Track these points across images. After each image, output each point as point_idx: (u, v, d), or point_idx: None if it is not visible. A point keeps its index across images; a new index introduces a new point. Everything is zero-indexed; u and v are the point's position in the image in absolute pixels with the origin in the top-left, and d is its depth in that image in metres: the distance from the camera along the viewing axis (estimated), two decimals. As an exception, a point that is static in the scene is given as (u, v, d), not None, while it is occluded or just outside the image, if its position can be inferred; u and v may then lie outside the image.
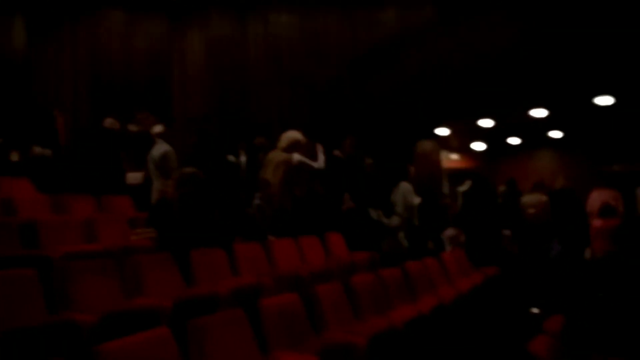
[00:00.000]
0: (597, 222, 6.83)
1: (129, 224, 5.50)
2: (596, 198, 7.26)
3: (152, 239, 4.82)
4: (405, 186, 7.42)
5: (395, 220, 7.38)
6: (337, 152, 7.40)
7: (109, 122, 7.16)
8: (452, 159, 13.10)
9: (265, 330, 3.28)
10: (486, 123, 9.07)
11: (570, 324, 3.14)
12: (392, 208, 7.45)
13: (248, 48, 10.40)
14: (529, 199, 7.94)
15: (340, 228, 6.55)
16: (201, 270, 4.37)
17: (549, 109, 8.32)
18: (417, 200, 7.61)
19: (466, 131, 10.72)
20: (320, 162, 6.46)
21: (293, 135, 6.21)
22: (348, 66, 9.50)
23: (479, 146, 12.35)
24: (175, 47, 10.63)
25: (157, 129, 6.59)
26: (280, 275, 4.64)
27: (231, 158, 7.64)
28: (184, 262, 4.34)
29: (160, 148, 6.36)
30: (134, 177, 6.88)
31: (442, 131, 9.85)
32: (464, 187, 9.13)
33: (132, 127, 7.68)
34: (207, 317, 2.90)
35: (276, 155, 6.17)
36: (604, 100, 7.66)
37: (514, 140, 11.77)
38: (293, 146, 6.17)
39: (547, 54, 6.98)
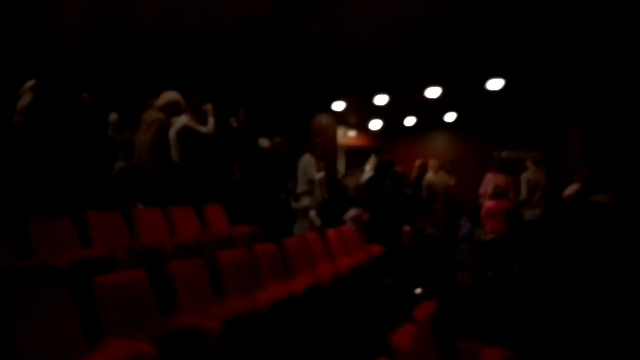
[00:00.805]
0: (489, 203, 7.17)
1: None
2: (489, 181, 7.52)
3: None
4: (306, 159, 7.12)
5: (305, 201, 7.09)
6: (232, 121, 6.95)
7: None
8: (350, 136, 13.01)
9: (99, 312, 2.80)
10: (381, 100, 8.93)
11: (440, 310, 2.95)
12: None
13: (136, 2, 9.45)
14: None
15: (224, 200, 6.13)
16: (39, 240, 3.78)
17: (444, 88, 8.32)
18: (318, 174, 7.31)
19: (364, 108, 10.58)
20: (209, 125, 5.93)
21: (172, 95, 5.60)
22: (242, 28, 8.90)
23: (376, 124, 12.32)
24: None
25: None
26: (137, 247, 4.15)
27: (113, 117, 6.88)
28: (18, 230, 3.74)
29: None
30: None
31: (339, 105, 9.62)
32: (369, 165, 8.99)
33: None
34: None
35: (150, 115, 5.56)
36: (495, 84, 7.77)
37: (409, 121, 11.84)
38: (171, 107, 5.57)
39: (446, 33, 6.89)
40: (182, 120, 5.74)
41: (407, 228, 8.32)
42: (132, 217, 4.77)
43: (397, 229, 7.56)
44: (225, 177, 6.63)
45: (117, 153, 5.95)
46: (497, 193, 7.18)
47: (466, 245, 8.05)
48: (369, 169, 8.90)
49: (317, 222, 7.09)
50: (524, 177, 7.70)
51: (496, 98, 8.78)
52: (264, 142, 7.18)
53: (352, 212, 7.82)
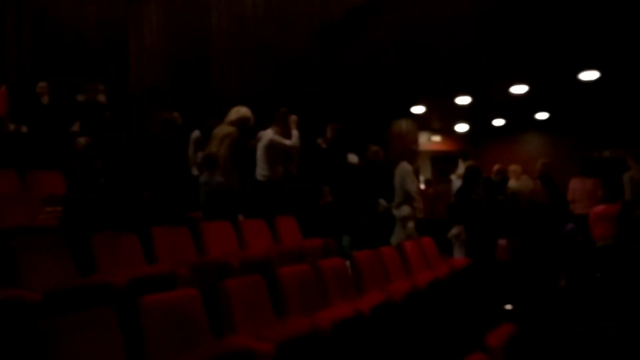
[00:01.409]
0: (598, 208, 6.92)
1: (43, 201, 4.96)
2: (575, 186, 7.23)
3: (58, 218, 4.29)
4: (403, 167, 6.72)
5: (405, 210, 6.70)
6: (320, 141, 6.83)
7: (40, 86, 6.76)
8: (434, 140, 12.54)
9: (144, 334, 2.70)
10: (463, 100, 8.45)
11: (520, 335, 2.57)
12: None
13: (210, 15, 9.68)
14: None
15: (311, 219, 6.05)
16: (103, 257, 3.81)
17: (531, 85, 7.69)
18: (414, 184, 6.88)
19: (448, 111, 10.12)
20: (294, 139, 5.93)
21: (243, 110, 5.74)
22: (316, 36, 8.79)
23: (462, 127, 11.77)
24: (132, 14, 9.90)
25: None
26: (201, 263, 4.08)
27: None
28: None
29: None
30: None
31: (418, 109, 9.24)
32: (458, 171, 8.40)
33: (80, 97, 7.18)
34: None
35: (222, 129, 5.65)
36: (589, 75, 7.06)
37: (498, 122, 11.17)
38: (242, 122, 5.69)
39: (528, 24, 6.34)
40: (267, 134, 5.85)
41: (503, 242, 7.67)
42: (200, 232, 4.73)
43: (492, 239, 7.01)
44: (316, 199, 6.44)
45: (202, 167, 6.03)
46: (607, 197, 6.91)
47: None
48: (456, 177, 8.23)
49: (415, 234, 6.70)
50: (627, 176, 6.99)
51: (591, 93, 8.01)
52: (353, 158, 7.01)
53: (455, 230, 7.29)
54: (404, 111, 9.40)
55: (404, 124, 9.83)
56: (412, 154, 7.00)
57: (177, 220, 4.76)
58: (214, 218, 5.02)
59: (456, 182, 7.99)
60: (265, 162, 5.82)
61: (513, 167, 8.22)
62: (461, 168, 8.31)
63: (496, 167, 8.28)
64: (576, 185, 7.13)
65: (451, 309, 5.06)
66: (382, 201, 6.86)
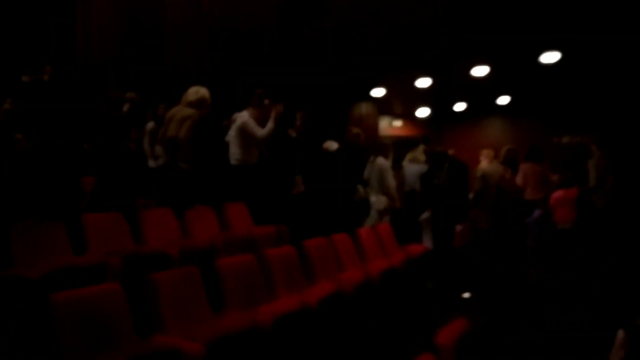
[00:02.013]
0: (557, 193, 7.02)
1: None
2: (523, 171, 7.21)
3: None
4: (381, 164, 6.58)
5: (382, 203, 6.58)
6: (290, 132, 6.54)
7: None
8: (396, 125, 12.37)
9: (58, 333, 2.41)
10: (424, 82, 8.27)
11: (473, 331, 2.39)
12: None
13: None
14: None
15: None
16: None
17: (492, 66, 7.56)
18: (393, 180, 6.75)
19: (409, 95, 9.94)
20: (266, 129, 5.50)
21: (202, 91, 5.41)
22: (278, 11, 8.42)
23: (423, 112, 11.63)
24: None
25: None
26: (138, 252, 3.78)
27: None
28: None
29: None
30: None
31: (379, 92, 9.02)
32: (411, 156, 8.23)
33: (25, 78, 6.67)
34: None
35: (179, 111, 5.27)
36: (550, 57, 6.96)
37: (460, 106, 11.07)
38: (201, 103, 5.33)
39: (489, 4, 6.16)
40: (242, 116, 5.51)
41: (459, 227, 7.61)
42: (140, 220, 4.39)
43: (449, 226, 6.90)
44: (287, 190, 6.16)
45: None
46: (563, 182, 7.04)
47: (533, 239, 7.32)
48: (408, 162, 8.02)
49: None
50: (592, 163, 7.01)
51: (553, 76, 7.93)
52: (332, 145, 6.72)
53: (425, 215, 7.18)
54: (364, 94, 9.17)
55: (364, 108, 9.61)
56: (385, 147, 6.91)
57: (113, 207, 4.38)
58: (174, 207, 4.71)
59: (408, 167, 7.79)
60: (239, 146, 5.49)
61: (486, 151, 8.22)
62: (416, 153, 8.14)
63: (485, 151, 8.27)
64: (527, 171, 7.06)
65: (404, 300, 4.90)
66: (360, 188, 6.68)
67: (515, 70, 7.86)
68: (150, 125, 6.39)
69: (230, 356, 2.69)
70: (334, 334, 3.47)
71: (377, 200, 6.59)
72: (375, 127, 9.95)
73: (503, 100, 10.38)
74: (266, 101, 5.69)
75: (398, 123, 12.41)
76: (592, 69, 7.74)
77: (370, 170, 6.64)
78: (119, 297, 2.73)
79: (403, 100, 10.91)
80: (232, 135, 5.58)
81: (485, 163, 7.99)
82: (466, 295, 6.31)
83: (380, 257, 5.47)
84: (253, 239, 4.72)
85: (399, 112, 12.10)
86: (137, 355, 2.43)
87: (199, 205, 5.14)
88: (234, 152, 5.53)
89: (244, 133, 5.45)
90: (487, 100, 10.54)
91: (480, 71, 7.59)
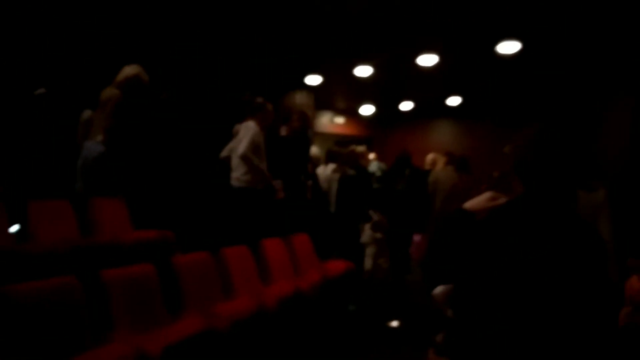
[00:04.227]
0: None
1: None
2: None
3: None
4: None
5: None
6: (282, 129, 6.06)
7: None
8: (338, 122, 11.45)
9: None
10: (364, 71, 7.34)
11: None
12: None
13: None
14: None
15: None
16: None
17: (442, 56, 6.68)
18: None
19: (350, 86, 9.00)
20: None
21: (127, 69, 4.83)
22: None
23: (367, 110, 10.74)
24: None
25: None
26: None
27: None
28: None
29: None
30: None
31: (314, 79, 8.04)
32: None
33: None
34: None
35: (105, 93, 4.74)
36: (508, 47, 6.13)
37: (406, 105, 10.23)
38: (128, 83, 4.76)
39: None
40: (250, 127, 5.05)
41: (417, 237, 6.91)
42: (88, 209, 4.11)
43: (404, 238, 6.68)
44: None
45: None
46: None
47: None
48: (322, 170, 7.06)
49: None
50: None
51: (510, 73, 7.13)
52: (282, 130, 6.22)
53: (374, 217, 6.38)
54: (298, 81, 8.16)
55: (298, 98, 8.59)
56: (354, 156, 6.47)
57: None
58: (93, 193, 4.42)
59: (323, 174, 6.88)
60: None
61: (438, 155, 7.56)
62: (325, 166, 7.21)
63: (431, 156, 7.50)
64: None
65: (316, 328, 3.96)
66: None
67: (467, 62, 6.99)
68: (86, 114, 5.32)
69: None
70: None
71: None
72: (312, 121, 8.95)
73: (453, 101, 9.59)
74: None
75: (340, 120, 11.50)
76: (557, 64, 6.88)
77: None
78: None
79: (345, 94, 9.99)
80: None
81: (439, 166, 7.23)
82: (394, 324, 5.40)
83: (287, 278, 4.47)
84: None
85: (341, 107, 11.19)
86: None
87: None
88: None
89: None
90: (436, 100, 9.73)
91: (427, 60, 6.70)
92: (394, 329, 5.26)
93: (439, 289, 1.71)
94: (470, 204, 1.61)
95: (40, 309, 2.09)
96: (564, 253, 1.41)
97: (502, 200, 1.60)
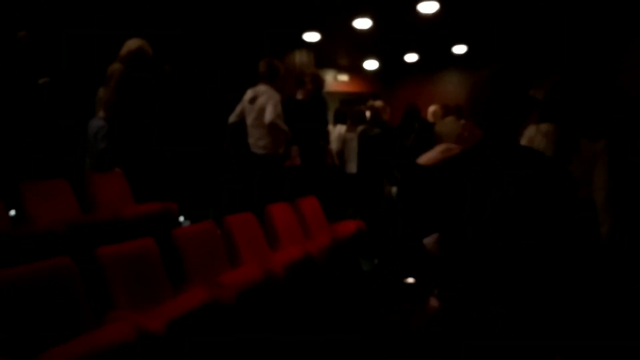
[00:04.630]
0: None
1: None
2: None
3: None
4: None
5: None
6: (299, 93, 5.84)
7: None
8: (341, 80, 11.19)
9: None
10: (363, 24, 7.07)
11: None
12: None
13: None
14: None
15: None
16: None
17: (443, 4, 6.38)
18: None
19: (351, 42, 8.74)
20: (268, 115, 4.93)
21: (129, 43, 4.65)
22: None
23: (371, 65, 10.47)
24: None
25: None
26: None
27: None
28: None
29: None
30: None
31: (313, 36, 7.80)
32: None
33: None
34: None
35: (110, 68, 4.62)
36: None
37: (411, 57, 9.94)
38: (131, 57, 4.59)
39: None
40: (271, 92, 4.98)
41: None
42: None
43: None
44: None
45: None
46: None
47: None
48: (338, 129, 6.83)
49: None
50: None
51: (518, 16, 6.83)
52: (299, 94, 6.08)
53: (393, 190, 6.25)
54: (297, 40, 7.92)
55: (298, 57, 8.38)
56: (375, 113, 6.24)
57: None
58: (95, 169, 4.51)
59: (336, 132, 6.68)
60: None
61: (434, 107, 7.25)
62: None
63: (433, 107, 7.23)
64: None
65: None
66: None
67: (470, 8, 6.68)
68: (101, 92, 5.22)
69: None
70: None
71: None
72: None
73: (459, 49, 9.28)
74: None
75: (344, 77, 11.24)
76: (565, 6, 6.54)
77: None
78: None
79: (347, 50, 9.72)
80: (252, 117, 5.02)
81: (438, 121, 6.94)
82: (410, 280, 5.33)
83: (297, 242, 4.38)
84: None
85: (344, 64, 10.92)
86: None
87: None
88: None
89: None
90: (441, 50, 9.42)
91: (428, 7, 6.42)
92: (410, 285, 5.19)
93: (429, 238, 1.75)
94: (424, 159, 1.65)
95: (31, 292, 2.03)
96: (524, 182, 1.47)
97: (456, 150, 1.64)
